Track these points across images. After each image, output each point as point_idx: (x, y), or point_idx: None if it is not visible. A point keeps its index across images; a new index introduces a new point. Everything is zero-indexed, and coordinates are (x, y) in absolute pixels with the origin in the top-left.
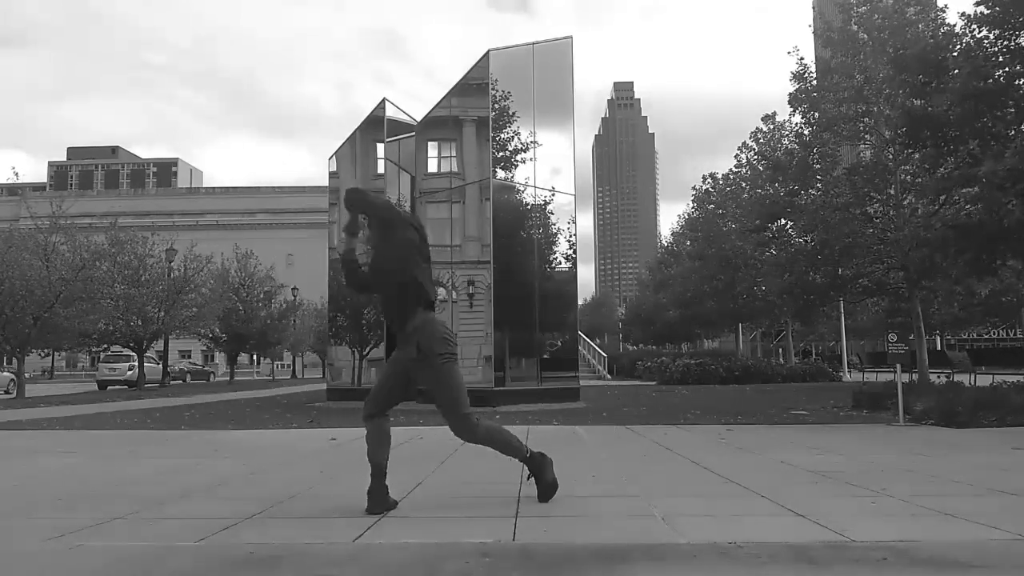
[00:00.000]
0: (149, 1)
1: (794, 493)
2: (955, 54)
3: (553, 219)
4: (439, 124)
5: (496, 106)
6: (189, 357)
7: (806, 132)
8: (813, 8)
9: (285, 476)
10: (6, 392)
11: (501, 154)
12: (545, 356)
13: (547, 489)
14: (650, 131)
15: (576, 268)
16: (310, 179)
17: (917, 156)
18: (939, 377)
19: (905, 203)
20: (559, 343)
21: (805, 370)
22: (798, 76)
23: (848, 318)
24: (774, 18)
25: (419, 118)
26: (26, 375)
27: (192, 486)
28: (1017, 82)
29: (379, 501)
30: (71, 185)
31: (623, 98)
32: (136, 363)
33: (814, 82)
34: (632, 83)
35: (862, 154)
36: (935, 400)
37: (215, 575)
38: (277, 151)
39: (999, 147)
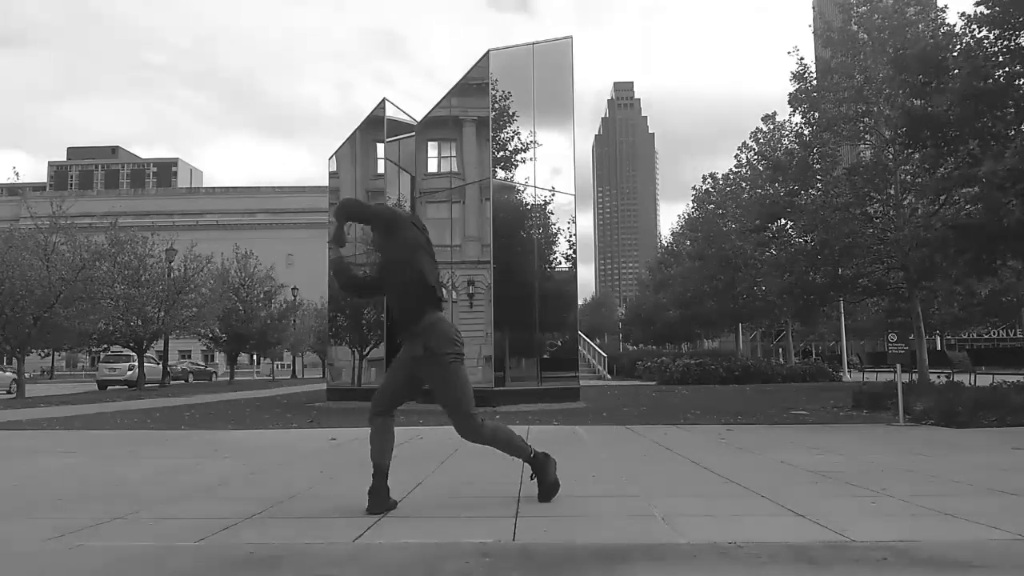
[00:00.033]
0: (149, 1)
1: (794, 493)
2: (955, 54)
3: (553, 219)
4: (439, 124)
5: (496, 106)
6: (189, 357)
7: (806, 132)
8: (813, 8)
9: (285, 476)
10: (8, 392)
11: (501, 154)
12: (545, 356)
13: (549, 489)
14: (650, 131)
15: (576, 268)
16: (310, 179)
17: (917, 156)
18: (939, 377)
19: (905, 203)
20: (559, 343)
21: (805, 370)
22: (798, 76)
23: (848, 318)
24: (774, 18)
25: (419, 118)
26: (26, 375)
27: (192, 486)
28: (1017, 82)
29: (380, 501)
30: (71, 185)
31: (623, 98)
32: (136, 363)
33: (814, 82)
34: (632, 83)
35: (862, 154)
36: (935, 400)
37: (215, 575)
38: (277, 151)
39: (999, 147)
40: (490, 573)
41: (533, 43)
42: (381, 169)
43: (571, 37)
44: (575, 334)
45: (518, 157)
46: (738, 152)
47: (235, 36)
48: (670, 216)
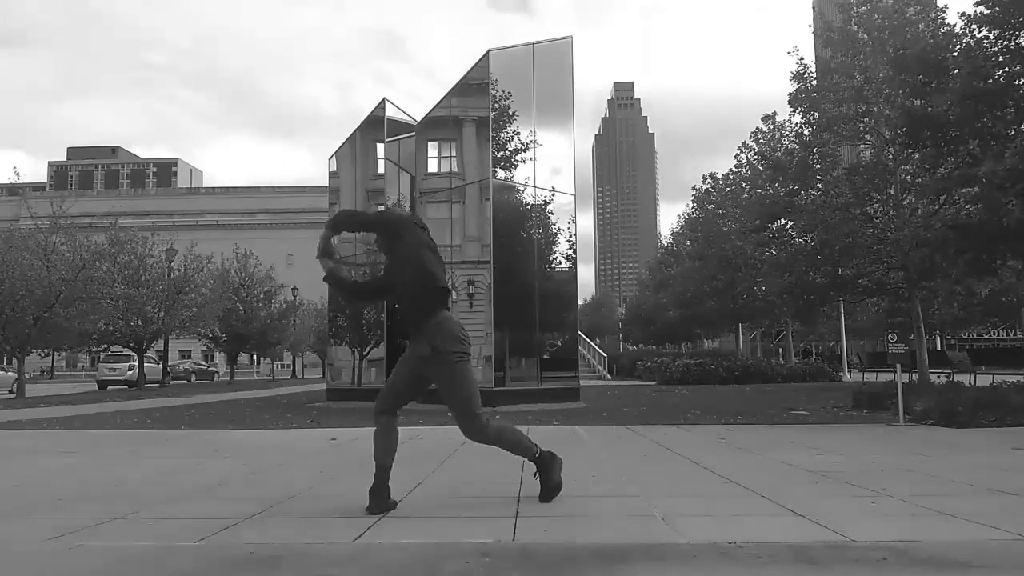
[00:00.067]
0: (149, 1)
1: (794, 493)
2: (955, 54)
3: (553, 219)
4: (439, 124)
5: (496, 106)
6: (189, 357)
7: (806, 132)
8: (813, 8)
9: (285, 476)
10: (9, 392)
11: (501, 154)
12: (545, 356)
13: (551, 490)
14: (650, 131)
15: (576, 268)
16: (310, 179)
17: (917, 156)
18: (939, 377)
19: (905, 203)
20: (559, 343)
21: (805, 370)
22: (798, 76)
23: (848, 318)
24: (774, 18)
25: (419, 118)
26: (26, 375)
27: (192, 486)
28: (1017, 82)
29: (381, 501)
30: (71, 185)
31: (623, 98)
32: (136, 363)
33: (814, 82)
34: (632, 83)
35: (862, 154)
36: (935, 400)
37: (215, 575)
38: (277, 151)
39: (999, 147)
40: (490, 573)
41: (533, 43)
42: (381, 169)
43: (571, 37)
44: (575, 334)
45: (518, 157)
46: (738, 152)
47: (235, 36)
48: (670, 216)
